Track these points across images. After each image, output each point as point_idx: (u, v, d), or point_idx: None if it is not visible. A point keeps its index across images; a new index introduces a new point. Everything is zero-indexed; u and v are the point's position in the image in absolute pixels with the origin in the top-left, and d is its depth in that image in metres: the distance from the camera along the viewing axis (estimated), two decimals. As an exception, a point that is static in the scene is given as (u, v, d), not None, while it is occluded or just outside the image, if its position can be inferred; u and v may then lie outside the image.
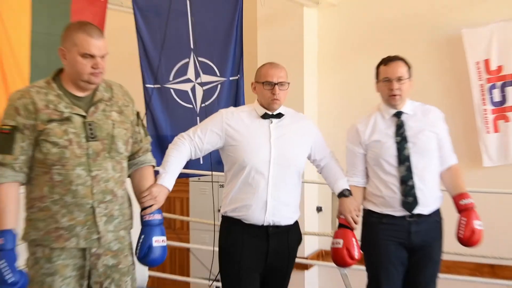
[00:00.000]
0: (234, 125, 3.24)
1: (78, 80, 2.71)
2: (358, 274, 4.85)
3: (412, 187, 3.29)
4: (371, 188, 3.44)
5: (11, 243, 2.63)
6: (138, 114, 2.99)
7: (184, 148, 3.20)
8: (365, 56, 6.10)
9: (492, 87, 5.69)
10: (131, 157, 2.97)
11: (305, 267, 6.08)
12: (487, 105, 5.72)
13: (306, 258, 6.11)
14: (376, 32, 6.23)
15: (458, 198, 3.38)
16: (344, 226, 3.34)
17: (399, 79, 3.32)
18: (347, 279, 4.82)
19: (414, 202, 3.29)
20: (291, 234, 3.31)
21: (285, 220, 3.23)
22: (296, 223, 3.35)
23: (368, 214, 3.46)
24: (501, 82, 5.70)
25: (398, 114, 3.38)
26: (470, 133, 5.74)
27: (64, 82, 2.77)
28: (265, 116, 3.26)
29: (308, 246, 6.31)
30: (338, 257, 3.34)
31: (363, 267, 5.13)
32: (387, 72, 3.36)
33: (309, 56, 6.46)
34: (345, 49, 6.42)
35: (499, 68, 5.64)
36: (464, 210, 3.35)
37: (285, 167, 3.22)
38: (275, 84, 3.22)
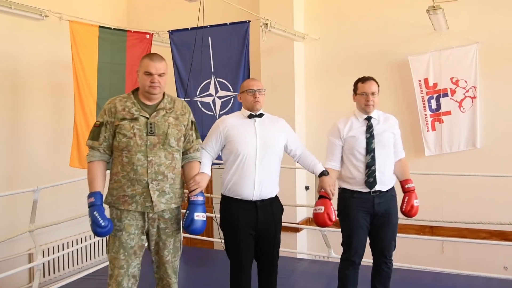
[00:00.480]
0: (227, 127, 3.22)
1: (144, 92, 2.90)
2: (333, 235, 4.89)
3: (374, 171, 3.31)
4: (345, 172, 3.43)
5: (99, 200, 2.79)
6: (193, 122, 3.05)
7: (205, 154, 3.18)
8: (340, 76, 6.22)
9: (430, 98, 5.81)
10: (184, 153, 3.02)
11: (296, 230, 6.08)
12: (427, 111, 5.84)
13: (298, 224, 6.11)
14: (348, 59, 6.27)
15: (404, 183, 3.48)
16: (323, 197, 3.32)
17: (373, 93, 3.36)
18: (326, 238, 4.89)
19: (374, 182, 3.31)
20: (274, 206, 3.27)
21: (269, 194, 3.20)
22: (277, 197, 3.31)
23: (343, 191, 3.45)
24: (437, 94, 5.80)
25: (368, 118, 3.40)
26: (415, 132, 5.81)
27: (139, 94, 2.94)
28: (250, 116, 3.24)
29: (299, 214, 6.36)
30: (320, 220, 3.33)
31: (337, 230, 5.26)
32: (364, 88, 3.38)
33: (298, 77, 6.45)
34: (325, 71, 6.43)
35: (435, 85, 5.77)
36: (407, 192, 3.46)
37: (268, 153, 3.19)
38: (255, 90, 3.22)
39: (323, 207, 3.31)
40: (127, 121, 2.84)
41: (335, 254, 4.87)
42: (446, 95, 5.77)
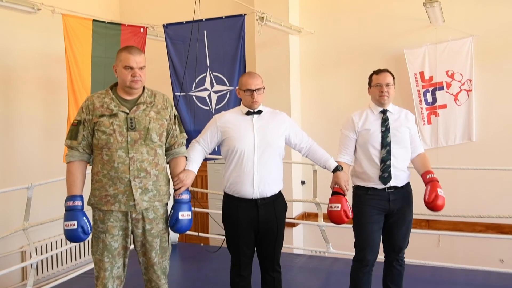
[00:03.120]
0: (225, 123, 3.17)
1: (124, 87, 2.80)
2: (331, 230, 4.88)
3: (389, 166, 3.22)
4: (358, 167, 3.35)
5: (82, 205, 2.74)
6: (175, 116, 2.98)
7: (197, 148, 3.17)
8: (335, 70, 6.23)
9: (426, 91, 5.77)
10: (169, 148, 2.96)
11: (293, 225, 6.03)
12: (422, 104, 5.80)
13: (294, 219, 6.06)
14: (343, 53, 6.23)
15: (425, 174, 3.32)
16: (338, 193, 3.25)
17: (387, 84, 3.30)
18: (324, 233, 4.84)
19: (389, 177, 3.22)
20: (277, 204, 3.18)
21: (270, 192, 3.11)
22: (281, 194, 3.23)
23: (357, 188, 3.37)
24: (432, 87, 5.77)
25: (384, 112, 3.32)
26: None
27: (117, 90, 2.84)
28: (248, 113, 3.17)
29: (295, 209, 6.31)
30: (336, 218, 3.23)
31: (334, 225, 5.23)
32: (379, 79, 3.33)
33: (294, 71, 6.39)
34: (321, 65, 6.36)
35: (430, 78, 5.72)
36: (430, 182, 3.28)
37: (267, 149, 3.11)
38: (253, 90, 3.14)
39: (339, 205, 3.22)
40: (106, 117, 2.75)
41: (334, 249, 4.85)
42: (441, 88, 5.73)
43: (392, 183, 3.25)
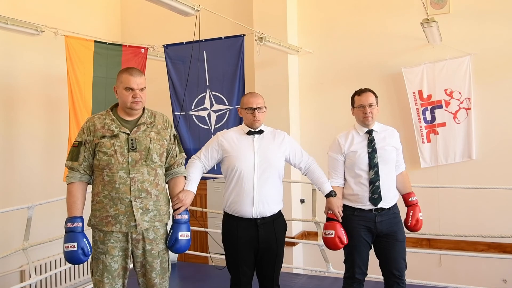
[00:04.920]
0: (227, 141, 3.18)
1: (125, 108, 2.82)
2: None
3: (378, 186, 3.22)
4: (347, 189, 3.33)
5: (83, 226, 2.75)
6: (175, 136, 2.99)
7: (197, 165, 3.18)
8: (334, 89, 6.24)
9: (425, 109, 5.78)
10: (168, 168, 2.96)
11: (292, 244, 5.98)
12: (422, 123, 5.81)
13: (293, 238, 6.02)
14: (341, 71, 6.25)
15: (407, 196, 3.39)
16: (332, 220, 3.25)
17: (370, 105, 3.28)
18: (324, 253, 4.74)
19: (379, 198, 3.23)
20: (276, 223, 3.17)
21: (269, 211, 3.11)
22: (281, 213, 3.23)
23: (344, 209, 3.31)
24: (431, 106, 5.78)
25: (369, 132, 3.31)
26: (410, 143, 5.74)
27: (118, 110, 2.86)
28: (249, 133, 3.18)
29: (295, 228, 6.29)
30: (331, 244, 3.25)
31: None
32: (361, 100, 3.31)
33: (293, 90, 6.43)
34: (319, 84, 6.39)
35: (429, 96, 5.74)
36: (411, 205, 3.38)
37: (267, 170, 3.12)
38: (254, 109, 3.16)
39: (333, 231, 3.23)
40: (107, 138, 2.76)
41: (334, 269, 4.80)
42: (440, 106, 5.75)
43: (380, 204, 3.25)
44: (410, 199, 3.39)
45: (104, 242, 2.75)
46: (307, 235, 6.42)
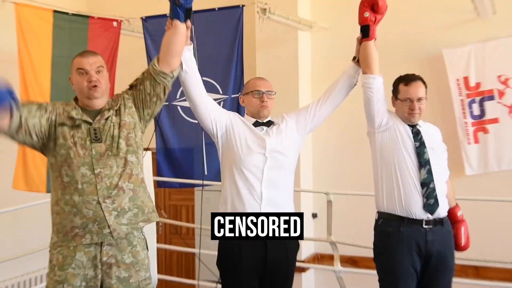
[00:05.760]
0: (236, 124, 3.25)
1: (83, 98, 2.85)
2: (350, 277, 4.92)
3: (434, 189, 3.23)
4: (387, 191, 3.34)
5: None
6: (132, 86, 3.00)
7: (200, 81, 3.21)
8: None
9: (472, 102, 5.72)
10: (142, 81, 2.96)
11: (302, 270, 5.96)
12: (467, 118, 5.75)
13: (303, 262, 5.98)
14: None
15: (455, 210, 3.41)
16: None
17: (420, 99, 3.30)
18: (341, 280, 4.78)
19: (436, 204, 3.22)
20: (288, 241, 3.21)
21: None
22: None
23: (384, 223, 3.34)
24: (480, 97, 5.73)
25: (413, 126, 3.36)
26: (452, 145, 5.59)
27: (79, 103, 2.90)
28: (256, 124, 3.26)
29: (305, 250, 6.25)
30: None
31: (354, 270, 5.18)
32: (409, 92, 3.31)
33: (303, 74, 6.46)
34: (336, 67, 6.29)
35: (477, 85, 5.68)
36: (460, 221, 3.40)
37: (278, 170, 3.20)
38: (263, 92, 3.25)
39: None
40: (67, 127, 2.78)
41: (354, 303, 4.81)
42: (492, 98, 5.69)
43: (436, 214, 3.21)
44: (458, 213, 3.41)
45: (63, 267, 2.70)
46: (320, 258, 6.42)
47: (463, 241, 3.36)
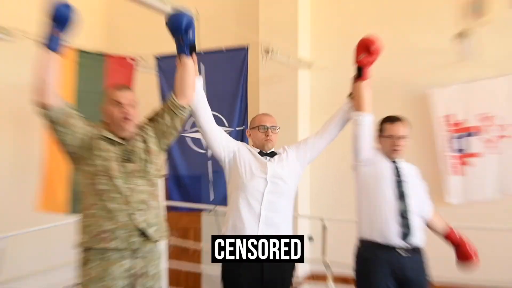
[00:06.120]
0: (242, 151, 3.30)
1: (114, 127, 2.88)
2: None
3: (409, 220, 3.26)
4: (365, 220, 3.40)
5: None
6: (150, 119, 3.07)
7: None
8: None
9: (455, 137, 5.75)
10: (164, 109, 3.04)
11: None
12: (451, 152, 5.77)
13: (299, 281, 5.95)
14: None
15: (452, 233, 3.43)
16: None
17: (403, 137, 3.35)
18: None
19: (410, 234, 3.24)
20: (285, 263, 3.16)
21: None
22: None
23: (364, 248, 3.39)
24: (463, 133, 5.76)
25: (394, 162, 3.39)
26: (435, 176, 5.70)
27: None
28: (260, 154, 3.32)
29: (301, 270, 6.18)
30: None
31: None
32: (393, 130, 3.37)
33: (302, 109, 6.46)
34: (334, 104, 6.32)
35: (461, 122, 5.69)
36: (462, 241, 3.41)
37: (278, 196, 3.25)
38: (268, 127, 3.33)
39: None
40: (105, 141, 2.84)
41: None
42: (474, 134, 5.75)
43: (412, 240, 3.24)
44: (457, 234, 3.43)
45: (104, 278, 2.75)
46: (315, 277, 6.34)
47: (474, 255, 3.37)
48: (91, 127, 2.87)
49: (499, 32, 5.72)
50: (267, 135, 3.33)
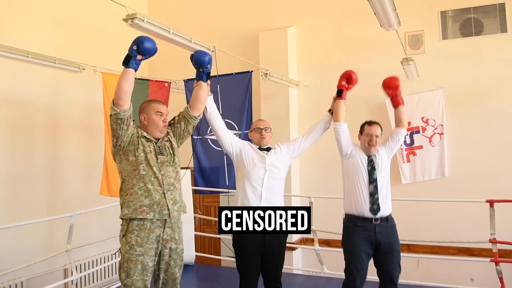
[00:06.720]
0: (246, 148, 3.27)
1: (154, 131, 2.86)
2: (325, 253, 4.95)
3: (377, 199, 3.21)
4: (350, 198, 3.32)
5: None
6: (170, 124, 3.00)
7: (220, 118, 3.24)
8: None
9: (405, 135, 5.73)
10: (184, 116, 3.01)
11: (292, 249, 6.03)
12: (402, 145, 5.84)
13: (293, 243, 6.03)
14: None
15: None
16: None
17: (377, 136, 3.32)
18: (319, 256, 4.86)
19: (378, 209, 3.20)
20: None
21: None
22: None
23: (347, 220, 3.32)
24: (410, 131, 5.84)
25: (370, 158, 3.32)
26: (392, 163, 5.56)
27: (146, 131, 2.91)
28: (259, 149, 3.27)
29: (294, 235, 6.25)
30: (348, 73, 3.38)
31: (329, 249, 5.13)
32: (370, 130, 3.33)
33: (293, 118, 6.52)
34: (316, 113, 6.16)
35: (408, 123, 5.71)
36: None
37: (274, 180, 3.20)
38: (262, 129, 3.30)
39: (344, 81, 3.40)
40: (144, 139, 2.82)
41: (328, 270, 4.87)
42: (418, 132, 5.84)
43: (379, 214, 3.21)
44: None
45: (142, 245, 2.71)
46: (305, 241, 6.44)
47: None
48: (135, 128, 2.84)
49: (433, 58, 5.85)
50: (261, 135, 3.29)
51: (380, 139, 3.35)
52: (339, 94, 3.44)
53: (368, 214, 3.23)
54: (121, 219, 2.79)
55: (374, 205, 3.21)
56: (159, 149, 2.84)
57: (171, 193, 2.80)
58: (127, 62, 2.72)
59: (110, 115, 2.73)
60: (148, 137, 2.83)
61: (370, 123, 3.40)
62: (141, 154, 2.77)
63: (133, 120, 2.80)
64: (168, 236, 2.80)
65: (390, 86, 3.52)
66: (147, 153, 2.77)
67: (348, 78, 3.40)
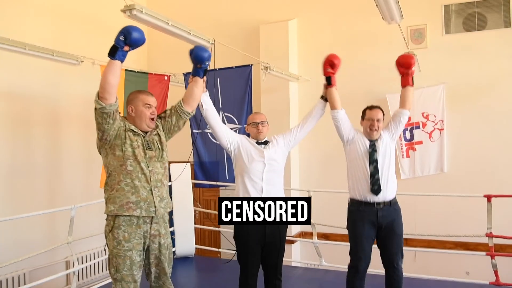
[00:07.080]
0: (243, 142, 3.26)
1: (140, 124, 2.78)
2: (324, 246, 5.02)
3: (378, 179, 3.23)
4: (353, 183, 3.35)
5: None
6: (161, 117, 2.94)
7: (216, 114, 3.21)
8: (328, 112, 6.22)
9: (405, 130, 5.88)
10: (175, 110, 2.93)
11: (292, 242, 6.06)
12: (402, 141, 5.93)
13: (293, 236, 6.08)
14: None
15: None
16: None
17: (378, 119, 3.31)
18: (318, 249, 4.93)
19: (379, 189, 3.22)
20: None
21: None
22: None
23: (351, 204, 3.36)
24: (410, 127, 5.90)
25: (372, 143, 3.32)
26: None
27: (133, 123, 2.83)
28: (257, 143, 3.28)
29: (294, 229, 6.36)
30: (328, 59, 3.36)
31: (327, 242, 5.17)
32: (371, 114, 3.32)
33: (293, 112, 6.55)
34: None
35: (409, 118, 5.53)
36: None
37: (273, 173, 3.22)
38: (258, 123, 3.27)
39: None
40: (132, 133, 2.75)
41: (325, 262, 4.95)
42: (418, 127, 5.89)
43: (381, 196, 3.23)
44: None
45: (130, 240, 2.68)
46: (304, 234, 6.49)
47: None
48: (122, 120, 2.74)
49: (434, 53, 5.88)
50: (258, 129, 3.26)
51: (381, 124, 3.35)
52: (328, 81, 3.43)
53: (370, 196, 3.26)
54: (107, 215, 2.76)
55: (375, 186, 3.23)
56: (147, 144, 2.77)
57: (159, 190, 2.76)
58: (113, 53, 2.55)
59: (95, 108, 2.63)
60: (136, 130, 2.76)
61: (371, 107, 3.41)
62: (129, 149, 2.70)
63: (119, 113, 2.72)
64: (155, 231, 2.78)
65: (403, 64, 3.41)
66: (135, 148, 2.71)
67: (331, 64, 3.39)
